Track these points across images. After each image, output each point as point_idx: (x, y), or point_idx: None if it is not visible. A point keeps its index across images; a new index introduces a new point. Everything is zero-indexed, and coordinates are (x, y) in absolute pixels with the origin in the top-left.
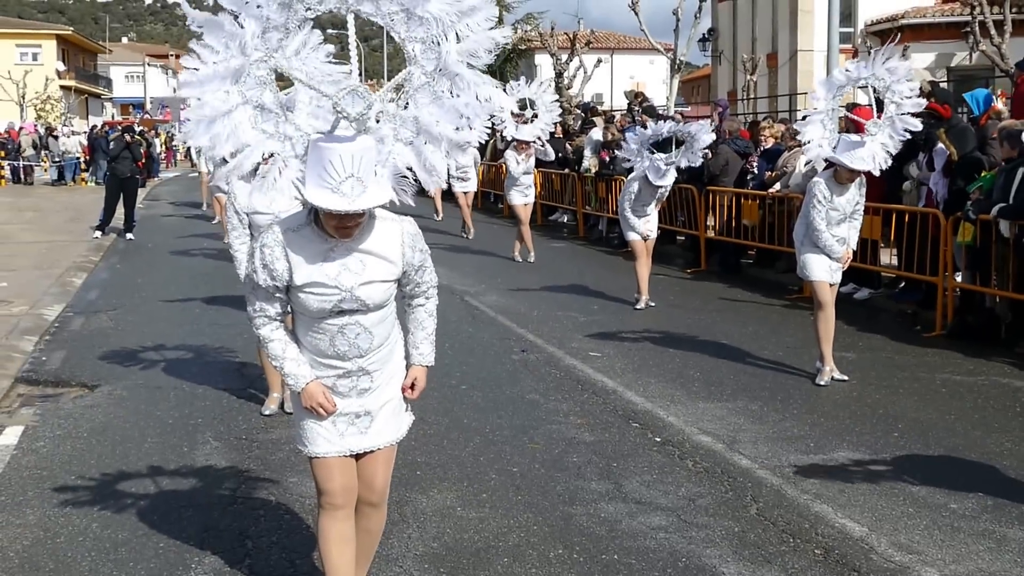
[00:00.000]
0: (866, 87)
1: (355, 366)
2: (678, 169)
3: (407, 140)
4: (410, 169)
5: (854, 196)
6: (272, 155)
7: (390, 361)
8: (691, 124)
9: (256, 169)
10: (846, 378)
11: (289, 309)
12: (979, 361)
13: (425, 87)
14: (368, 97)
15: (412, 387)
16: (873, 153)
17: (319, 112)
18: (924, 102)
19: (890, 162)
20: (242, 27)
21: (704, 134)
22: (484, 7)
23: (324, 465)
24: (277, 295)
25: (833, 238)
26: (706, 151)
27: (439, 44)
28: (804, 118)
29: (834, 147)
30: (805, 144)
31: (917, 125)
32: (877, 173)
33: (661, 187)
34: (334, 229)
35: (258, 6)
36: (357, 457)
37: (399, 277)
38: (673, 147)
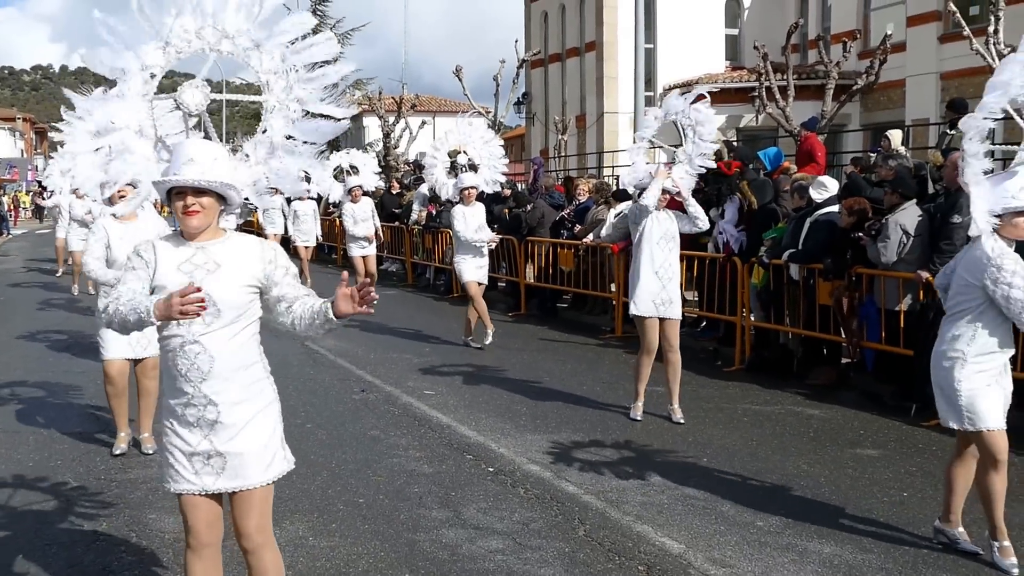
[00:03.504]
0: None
1: (198, 392)
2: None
3: (264, 159)
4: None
5: (672, 220)
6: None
7: (246, 402)
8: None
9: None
10: (682, 422)
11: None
12: (775, 392)
13: (278, 111)
14: (207, 92)
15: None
16: (676, 175)
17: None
18: (716, 146)
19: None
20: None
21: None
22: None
23: (187, 502)
24: (142, 269)
25: (648, 258)
26: (519, 199)
27: (287, 73)
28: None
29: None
30: (630, 165)
31: (711, 163)
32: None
33: (471, 189)
34: (182, 215)
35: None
36: (232, 498)
37: (261, 284)
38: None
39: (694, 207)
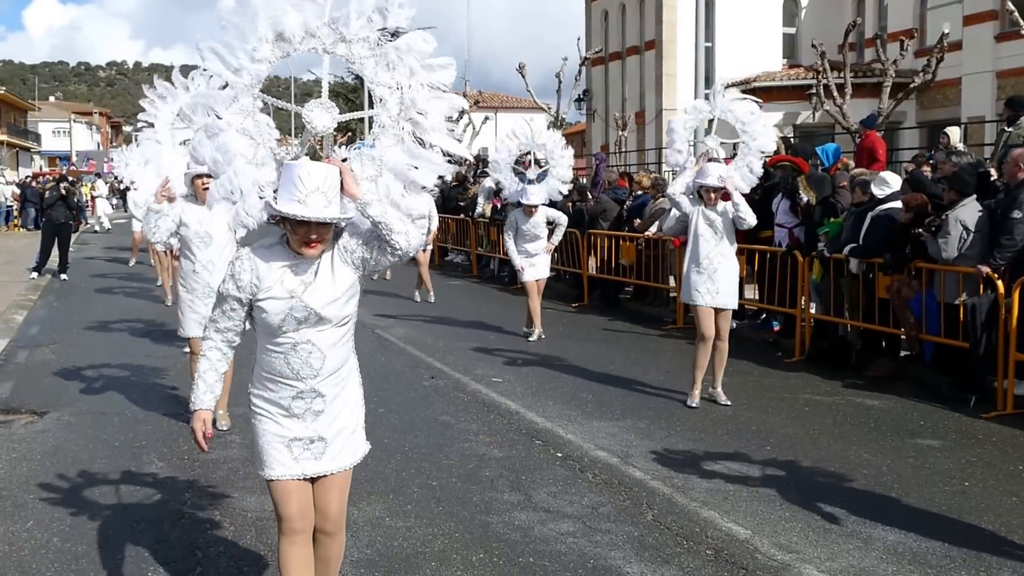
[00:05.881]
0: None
1: (308, 386)
2: (553, 204)
3: (372, 177)
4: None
5: (727, 212)
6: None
7: (345, 388)
8: (546, 135)
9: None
10: (728, 403)
11: (243, 328)
12: (835, 383)
13: (390, 130)
14: (334, 113)
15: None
16: (732, 179)
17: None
18: (772, 145)
19: (746, 190)
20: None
21: (560, 149)
22: (447, 67)
23: (282, 489)
24: (235, 309)
25: (692, 252)
26: (584, 193)
27: (402, 90)
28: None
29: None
30: (674, 168)
31: (767, 151)
32: (744, 190)
33: (534, 207)
34: (300, 244)
35: (255, 45)
36: (313, 483)
37: (359, 272)
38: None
39: (741, 202)
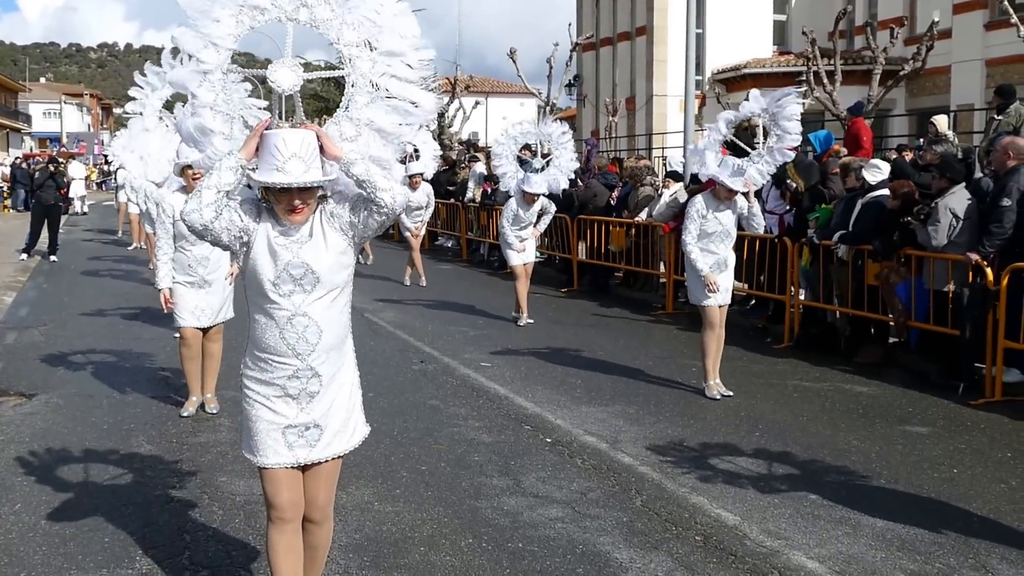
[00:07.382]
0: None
1: (304, 364)
2: (553, 198)
3: (351, 138)
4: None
5: (733, 213)
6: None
7: (341, 370)
8: (553, 126)
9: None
10: (731, 394)
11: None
12: (823, 369)
13: (361, 87)
14: (300, 72)
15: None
16: (751, 176)
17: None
18: (791, 154)
19: (767, 180)
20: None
21: (563, 138)
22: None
23: (272, 478)
24: (233, 213)
25: (701, 252)
26: (574, 179)
27: (371, 48)
28: (696, 147)
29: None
30: (701, 168)
31: (790, 155)
32: (752, 190)
33: (536, 195)
34: (286, 212)
35: (216, 20)
36: (304, 471)
37: (351, 234)
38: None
39: (758, 213)
